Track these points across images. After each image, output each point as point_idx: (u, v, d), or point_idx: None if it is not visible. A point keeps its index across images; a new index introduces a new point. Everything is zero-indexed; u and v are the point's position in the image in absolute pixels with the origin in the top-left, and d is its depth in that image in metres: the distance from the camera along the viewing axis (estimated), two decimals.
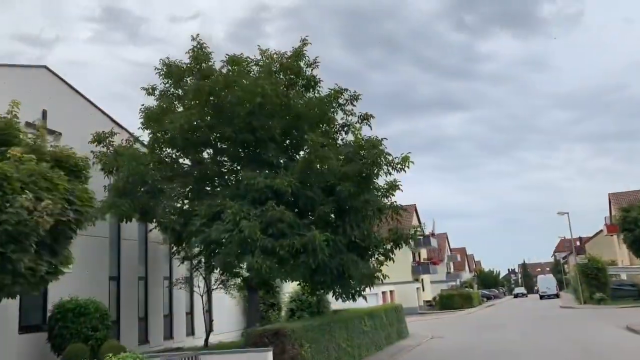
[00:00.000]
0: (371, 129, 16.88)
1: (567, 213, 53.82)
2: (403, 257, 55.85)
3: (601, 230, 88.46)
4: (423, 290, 58.66)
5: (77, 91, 17.51)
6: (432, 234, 59.35)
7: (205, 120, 15.01)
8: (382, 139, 15.44)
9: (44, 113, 16.35)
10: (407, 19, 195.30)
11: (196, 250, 16.13)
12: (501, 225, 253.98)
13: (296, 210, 14.66)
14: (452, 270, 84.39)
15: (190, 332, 22.76)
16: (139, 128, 16.82)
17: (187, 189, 15.87)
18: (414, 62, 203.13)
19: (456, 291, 52.97)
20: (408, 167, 15.58)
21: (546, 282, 63.74)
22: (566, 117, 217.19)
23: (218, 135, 15.27)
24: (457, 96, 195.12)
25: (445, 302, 51.66)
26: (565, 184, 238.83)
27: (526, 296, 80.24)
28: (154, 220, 15.39)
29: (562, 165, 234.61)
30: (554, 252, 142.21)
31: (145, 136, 17.03)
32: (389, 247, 16.57)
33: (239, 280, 17.54)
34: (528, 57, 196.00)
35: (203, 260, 16.50)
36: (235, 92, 14.88)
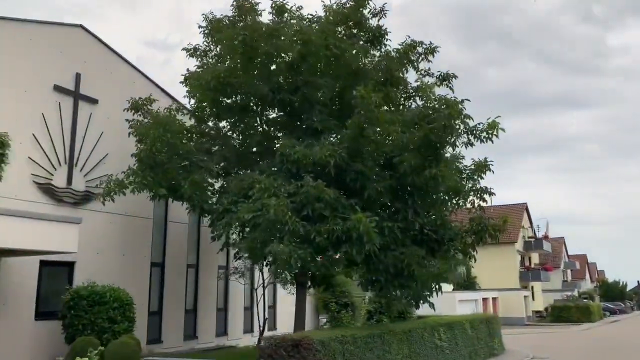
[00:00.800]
0: (453, 93, 13.12)
1: None
2: (510, 261, 50.01)
3: None
4: (533, 299, 52.19)
5: (116, 52, 15.69)
6: (546, 237, 52.63)
7: (238, 76, 12.31)
8: (462, 99, 11.80)
9: (77, 77, 14.72)
10: (525, 11, 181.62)
11: (234, 235, 13.54)
12: (630, 234, 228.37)
13: (343, 189, 11.52)
14: (569, 278, 75.39)
15: (249, 328, 20.42)
16: (184, 96, 14.63)
17: (222, 164, 13.33)
18: (533, 58, 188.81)
19: (572, 302, 46.10)
20: (497, 135, 11.80)
21: None
22: None
23: (253, 96, 12.54)
24: (581, 93, 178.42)
25: (558, 314, 45.18)
26: None
27: None
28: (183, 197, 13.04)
29: None
30: None
31: (189, 105, 14.82)
32: (469, 241, 12.83)
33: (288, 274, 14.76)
34: None
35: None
36: (274, 42, 12.05)
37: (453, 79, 13.50)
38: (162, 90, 16.48)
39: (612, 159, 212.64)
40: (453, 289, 48.36)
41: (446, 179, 11.05)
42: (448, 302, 35.48)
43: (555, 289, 61.68)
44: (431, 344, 13.48)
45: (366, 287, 11.81)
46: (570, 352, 21.63)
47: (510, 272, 47.57)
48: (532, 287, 52.72)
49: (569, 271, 78.14)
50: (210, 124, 14.72)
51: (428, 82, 13.43)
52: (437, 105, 11.19)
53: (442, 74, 13.57)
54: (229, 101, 12.74)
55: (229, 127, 13.57)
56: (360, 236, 10.16)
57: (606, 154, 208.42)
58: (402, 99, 12.81)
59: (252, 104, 12.70)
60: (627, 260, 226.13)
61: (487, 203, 12.46)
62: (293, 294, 18.78)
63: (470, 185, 11.93)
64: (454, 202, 12.36)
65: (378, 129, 11.28)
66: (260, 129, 13.09)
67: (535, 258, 54.83)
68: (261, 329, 17.93)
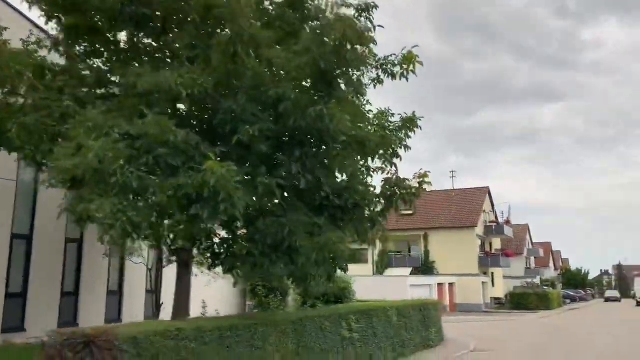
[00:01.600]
0: (374, 29, 10.18)
1: None
2: (469, 246, 48.07)
3: None
4: (493, 285, 50.47)
5: None
6: (507, 222, 50.83)
7: None
8: (374, 26, 9.08)
9: None
10: (502, 3, 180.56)
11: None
12: (597, 225, 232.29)
13: (210, 133, 8.69)
14: (532, 265, 74.38)
15: (153, 313, 17.54)
16: (39, 17, 11.36)
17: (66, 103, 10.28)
18: (510, 50, 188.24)
19: (532, 289, 44.46)
20: (413, 71, 9.12)
21: None
22: None
23: (99, 11, 9.51)
24: (555, 87, 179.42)
25: (517, 302, 43.47)
26: None
27: (619, 301, 68.81)
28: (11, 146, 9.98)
29: None
30: None
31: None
32: (378, 208, 10.19)
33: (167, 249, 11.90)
34: (635, 45, 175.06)
35: None
36: None
37: (374, 10, 10.68)
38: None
39: (582, 151, 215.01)
40: (411, 274, 46.37)
41: (340, 123, 8.28)
42: (399, 287, 33.21)
43: (518, 276, 60.26)
44: (335, 336, 10.83)
45: (231, 263, 8.99)
46: (517, 344, 19.37)
47: (469, 257, 45.65)
48: (493, 274, 50.99)
49: (532, 258, 77.12)
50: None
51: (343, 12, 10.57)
52: (333, 24, 8.39)
53: (361, 3, 10.74)
54: (74, 21, 9.72)
55: (81, 55, 10.53)
56: (214, 193, 7.37)
57: (577, 146, 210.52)
58: (298, 22, 9.92)
59: (100, 23, 9.69)
60: (593, 250, 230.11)
61: (399, 160, 9.74)
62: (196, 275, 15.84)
63: (377, 132, 9.21)
64: (359, 158, 9.65)
65: (256, 54, 8.45)
66: (115, 57, 10.09)
67: (496, 244, 53.10)
68: (156, 312, 15.23)
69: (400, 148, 9.61)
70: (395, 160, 9.77)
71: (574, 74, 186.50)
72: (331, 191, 9.64)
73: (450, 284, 42.08)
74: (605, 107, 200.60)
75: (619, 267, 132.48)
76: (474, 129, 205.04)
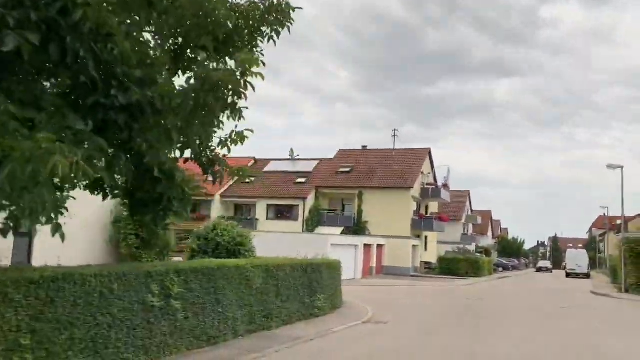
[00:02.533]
0: None
1: (622, 167, 38.67)
2: (403, 207, 45.79)
3: None
4: (426, 249, 48.78)
5: None
6: (445, 185, 48.77)
7: None
8: None
9: None
10: None
11: None
12: (539, 199, 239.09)
13: None
14: (469, 232, 73.78)
15: None
16: None
17: None
18: (472, 22, 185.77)
19: (462, 255, 42.79)
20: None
21: (577, 257, 52.12)
22: (626, 95, 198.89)
23: None
24: (512, 62, 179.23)
25: (447, 267, 41.71)
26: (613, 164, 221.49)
27: (551, 271, 69.20)
28: None
29: (613, 144, 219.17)
30: (591, 227, 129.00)
31: None
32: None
33: None
34: (593, 28, 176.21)
35: None
36: None
37: None
38: None
39: (532, 128, 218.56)
40: (341, 233, 43.84)
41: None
42: (318, 247, 30.36)
43: (453, 241, 59.02)
44: (131, 304, 7.46)
45: None
46: (422, 315, 16.71)
47: (402, 219, 43.36)
48: (426, 237, 49.24)
49: (470, 225, 76.49)
50: None
51: None
52: None
53: None
54: None
55: None
56: None
57: (527, 123, 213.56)
58: None
59: None
60: (533, 224, 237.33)
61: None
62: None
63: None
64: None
65: None
66: None
67: (433, 207, 51.17)
68: None
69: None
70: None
71: (531, 51, 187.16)
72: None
73: (379, 246, 39.74)
74: (557, 87, 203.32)
75: (554, 239, 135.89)
76: (431, 98, 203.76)
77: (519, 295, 25.04)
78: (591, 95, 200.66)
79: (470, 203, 77.74)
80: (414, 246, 42.01)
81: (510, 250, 74.55)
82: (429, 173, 48.15)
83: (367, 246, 36.98)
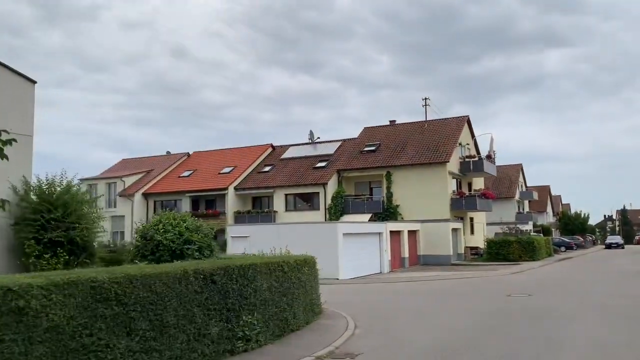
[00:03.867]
0: None
1: None
2: (439, 185, 39.55)
3: None
4: (472, 233, 42.32)
5: None
6: (489, 157, 41.98)
7: None
8: None
9: None
10: None
11: None
12: (602, 171, 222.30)
13: None
14: (525, 210, 66.07)
15: None
16: None
17: None
18: None
19: (514, 236, 36.14)
20: None
21: None
22: None
23: None
24: (561, 32, 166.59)
25: (496, 251, 35.24)
26: None
27: (622, 247, 60.58)
28: None
29: None
30: None
31: None
32: None
33: None
34: None
35: None
36: None
37: None
38: None
39: (588, 98, 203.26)
40: (370, 220, 38.24)
41: None
42: (324, 238, 25.02)
43: (507, 221, 51.98)
44: None
45: None
46: (430, 331, 11.00)
47: (439, 199, 37.19)
48: (472, 219, 42.74)
49: (526, 202, 68.73)
50: None
51: None
52: None
53: None
54: None
55: None
56: None
57: (582, 92, 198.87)
58: None
59: None
60: (597, 197, 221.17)
61: None
62: None
63: None
64: None
65: None
66: None
67: (479, 184, 44.51)
68: None
69: None
70: None
71: (580, 17, 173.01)
72: None
73: (412, 232, 33.83)
74: (611, 52, 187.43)
75: (622, 212, 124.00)
76: (478, 76, 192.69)
77: (585, 286, 18.60)
78: None
79: (524, 178, 69.91)
80: (454, 230, 35.78)
81: (573, 227, 66.14)
82: (468, 144, 41.53)
83: (395, 233, 31.21)
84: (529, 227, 57.05)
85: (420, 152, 39.45)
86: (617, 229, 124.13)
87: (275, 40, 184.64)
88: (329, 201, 39.52)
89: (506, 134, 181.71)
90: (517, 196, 63.47)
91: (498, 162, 69.69)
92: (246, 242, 25.81)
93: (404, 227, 32.53)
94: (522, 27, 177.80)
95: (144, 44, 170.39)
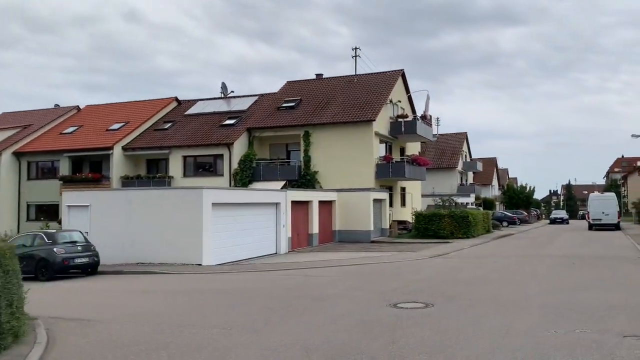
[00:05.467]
0: None
1: None
2: (363, 148, 33.54)
3: None
4: (403, 204, 36.80)
5: None
6: (425, 117, 36.20)
7: None
8: None
9: None
10: None
11: None
12: (550, 148, 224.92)
13: None
14: (468, 182, 61.51)
15: None
16: None
17: None
18: None
19: (446, 209, 30.74)
20: None
21: (603, 203, 39.19)
22: (633, 37, 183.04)
23: None
24: (517, 10, 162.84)
25: (424, 227, 29.76)
26: (622, 108, 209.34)
27: (567, 222, 57.01)
28: None
29: (622, 88, 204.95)
30: (608, 171, 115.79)
31: None
32: None
33: None
34: None
35: None
36: None
37: None
38: None
39: (539, 77, 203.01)
40: (283, 188, 32.05)
41: None
42: (185, 208, 18.61)
43: (448, 193, 46.94)
44: None
45: None
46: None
47: (364, 165, 31.32)
48: (404, 189, 37.18)
49: (470, 174, 64.25)
50: None
51: None
52: None
53: None
54: None
55: None
56: None
57: (535, 71, 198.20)
58: None
59: None
60: (544, 173, 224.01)
61: None
62: None
63: None
64: None
65: None
66: None
67: (413, 149, 38.85)
68: None
69: None
70: None
71: None
72: None
73: (325, 203, 27.78)
74: (563, 32, 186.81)
75: (567, 187, 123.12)
76: (435, 52, 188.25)
77: (518, 287, 12.82)
78: (598, 38, 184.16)
79: (468, 148, 65.28)
80: (377, 201, 29.95)
81: (518, 201, 62.15)
82: (400, 102, 35.50)
83: (300, 205, 25.07)
84: (470, 199, 52.38)
85: (344, 109, 33.23)
86: (561, 203, 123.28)
87: (232, 5, 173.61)
88: (235, 166, 32.96)
89: (461, 111, 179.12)
90: (459, 167, 58.73)
91: (442, 131, 64.50)
92: (85, 213, 19.07)
93: (312, 196, 26.38)
94: (479, 4, 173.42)
95: (95, 5, 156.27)
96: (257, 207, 21.39)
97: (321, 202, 27.08)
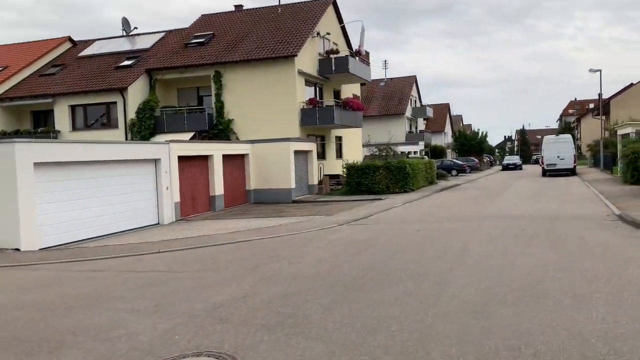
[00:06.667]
0: None
1: (600, 70, 38.89)
2: (285, 90, 28.19)
3: (631, 85, 60.30)
4: (339, 156, 32.07)
5: None
6: (359, 53, 30.95)
7: None
8: None
9: None
10: None
11: None
12: (506, 96, 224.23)
13: None
14: (418, 129, 57.28)
15: None
16: None
17: None
18: None
19: (381, 160, 26.19)
20: None
21: (558, 146, 35.35)
22: None
23: None
24: None
25: (357, 181, 25.20)
26: (575, 54, 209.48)
27: (521, 168, 53.88)
28: None
29: (574, 34, 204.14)
30: (562, 115, 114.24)
31: None
32: None
33: None
34: None
35: None
36: None
37: None
38: None
39: (495, 24, 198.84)
40: (191, 139, 26.77)
41: None
42: (3, 173, 12.99)
43: (395, 142, 42.48)
44: None
45: None
46: None
47: (287, 112, 26.25)
48: (339, 139, 32.37)
49: (420, 121, 59.95)
50: None
51: None
52: None
53: None
54: None
55: None
56: None
57: (490, 18, 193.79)
58: None
59: None
60: (499, 120, 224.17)
61: None
62: None
63: None
64: None
65: None
66: None
67: (349, 91, 33.79)
68: None
69: None
70: None
71: None
72: None
73: (233, 157, 22.68)
74: None
75: (521, 132, 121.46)
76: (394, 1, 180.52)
77: (430, 281, 7.98)
78: None
79: (418, 93, 60.67)
80: (300, 153, 25.01)
81: (470, 147, 58.56)
82: (328, 34, 30.04)
83: (196, 160, 19.92)
84: (419, 147, 48.20)
85: (262, 44, 27.68)
86: (515, 149, 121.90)
87: None
88: (132, 115, 27.30)
89: (419, 60, 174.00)
90: (408, 113, 54.27)
91: (390, 75, 59.49)
92: None
93: (212, 149, 21.18)
94: None
95: None
96: (123, 166, 16.12)
97: (227, 157, 21.96)
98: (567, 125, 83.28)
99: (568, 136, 37.67)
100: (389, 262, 8.76)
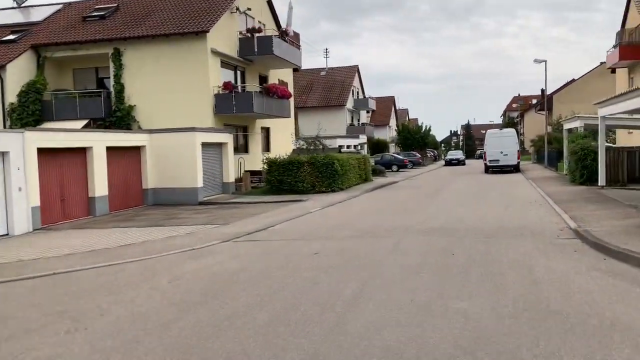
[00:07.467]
0: None
1: (545, 61, 38.12)
2: (197, 74, 24.29)
3: (572, 80, 59.93)
4: (267, 149, 28.51)
5: None
6: (286, 33, 27.36)
7: None
8: None
9: None
10: None
11: None
12: (453, 91, 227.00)
13: None
14: (359, 122, 54.45)
15: None
16: None
17: None
18: None
19: (306, 156, 22.80)
20: None
21: (501, 141, 32.96)
22: None
23: None
24: None
25: (278, 178, 21.78)
26: (517, 52, 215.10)
27: (464, 164, 52.10)
28: None
29: (517, 32, 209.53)
30: (505, 110, 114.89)
31: None
32: None
33: None
34: None
35: None
36: None
37: None
38: None
39: (443, 20, 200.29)
40: (85, 127, 22.39)
41: None
42: None
43: (335, 135, 39.48)
44: None
45: None
46: None
47: (198, 98, 22.49)
48: (267, 130, 28.83)
49: (363, 113, 57.15)
50: None
51: None
52: None
53: None
54: None
55: None
56: None
57: (438, 14, 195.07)
58: None
59: None
60: (446, 116, 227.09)
61: None
62: None
63: None
64: None
65: None
66: None
67: (278, 77, 30.18)
68: None
69: None
70: None
71: None
72: None
73: (125, 150, 18.72)
74: None
75: (466, 127, 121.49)
76: None
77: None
78: None
79: (361, 84, 57.83)
80: (209, 145, 21.26)
81: (413, 142, 56.31)
82: (248, 9, 26.23)
83: (69, 153, 15.89)
84: (360, 141, 45.27)
85: (171, 18, 23.74)
86: (460, 144, 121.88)
87: None
88: (12, 99, 22.79)
89: (369, 55, 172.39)
90: (350, 104, 51.32)
91: (331, 64, 56.21)
92: None
93: (93, 140, 17.16)
94: None
95: None
96: None
97: (116, 149, 18.01)
98: (511, 121, 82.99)
99: (512, 130, 35.60)
100: (214, 340, 5.28)
